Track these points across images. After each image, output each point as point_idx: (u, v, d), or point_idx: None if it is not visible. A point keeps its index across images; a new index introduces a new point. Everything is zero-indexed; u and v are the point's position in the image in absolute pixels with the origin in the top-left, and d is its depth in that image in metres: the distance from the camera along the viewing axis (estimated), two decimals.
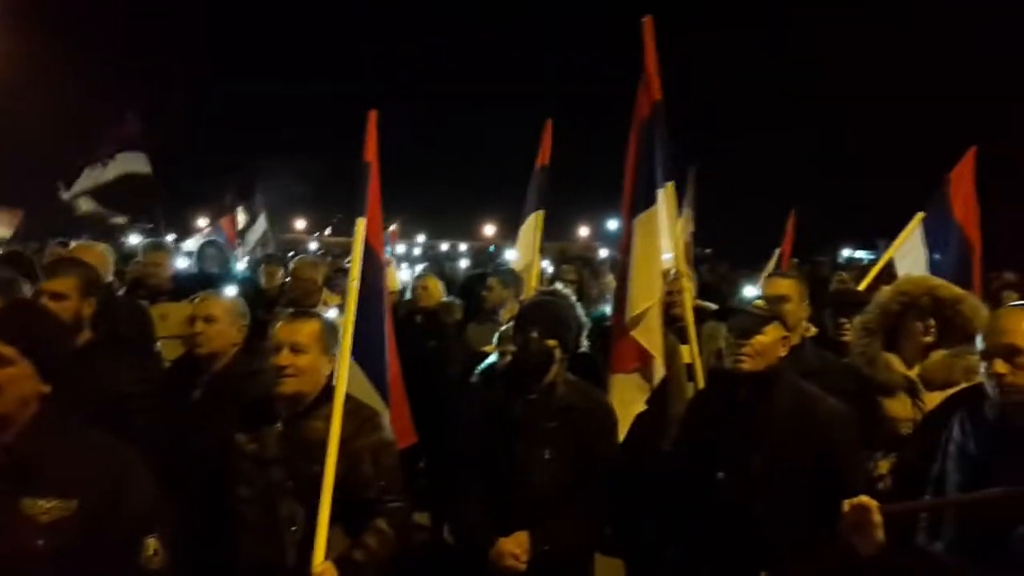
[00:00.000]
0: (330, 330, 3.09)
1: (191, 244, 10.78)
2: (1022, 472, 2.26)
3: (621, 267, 4.29)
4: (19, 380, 2.14)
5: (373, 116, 3.72)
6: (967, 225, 5.25)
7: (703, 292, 5.93)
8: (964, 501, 2.23)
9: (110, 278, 4.91)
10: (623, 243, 4.30)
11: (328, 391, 3.01)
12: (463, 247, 29.55)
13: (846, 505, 2.30)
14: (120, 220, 9.88)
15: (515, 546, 3.10)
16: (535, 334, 3.26)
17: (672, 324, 4.31)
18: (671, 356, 4.35)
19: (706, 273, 13.62)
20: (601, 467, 3.27)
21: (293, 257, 9.16)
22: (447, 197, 46.22)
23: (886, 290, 3.72)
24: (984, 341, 2.47)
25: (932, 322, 3.45)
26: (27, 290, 3.87)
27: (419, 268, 10.26)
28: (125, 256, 8.06)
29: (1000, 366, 2.38)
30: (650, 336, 4.05)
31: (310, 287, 5.57)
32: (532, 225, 6.16)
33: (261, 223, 11.64)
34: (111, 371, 3.22)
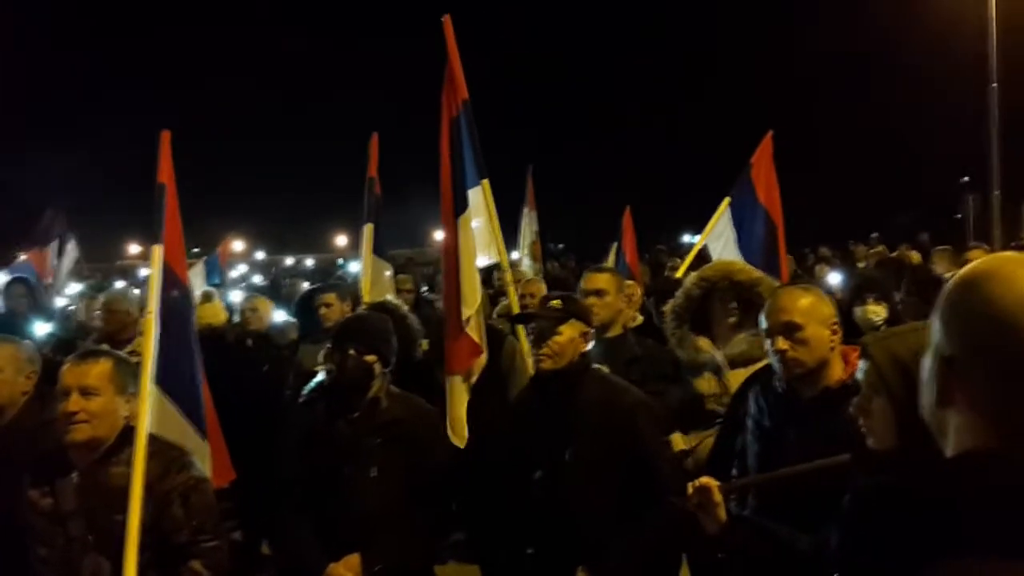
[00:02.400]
0: (125, 368, 2.88)
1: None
2: (811, 441, 2.41)
3: (448, 269, 4.27)
4: None
5: (166, 137, 3.56)
6: (770, 206, 5.61)
7: (553, 287, 6.04)
8: (790, 474, 2.34)
9: None
10: (448, 244, 4.29)
11: (128, 433, 2.81)
12: (309, 261, 28.67)
13: (690, 487, 2.36)
14: None
15: (346, 569, 3.02)
16: (352, 351, 3.18)
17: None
18: (512, 357, 4.39)
19: (555, 268, 13.96)
20: (432, 478, 3.23)
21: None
22: (292, 209, 44.90)
23: (690, 276, 3.92)
24: (766, 320, 2.62)
25: (734, 304, 3.65)
26: None
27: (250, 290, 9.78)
28: None
29: (781, 343, 2.54)
30: (478, 332, 4.11)
31: (124, 319, 5.20)
32: (366, 238, 6.10)
33: (71, 251, 10.71)
34: None
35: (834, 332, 2.58)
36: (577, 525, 2.90)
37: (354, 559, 3.04)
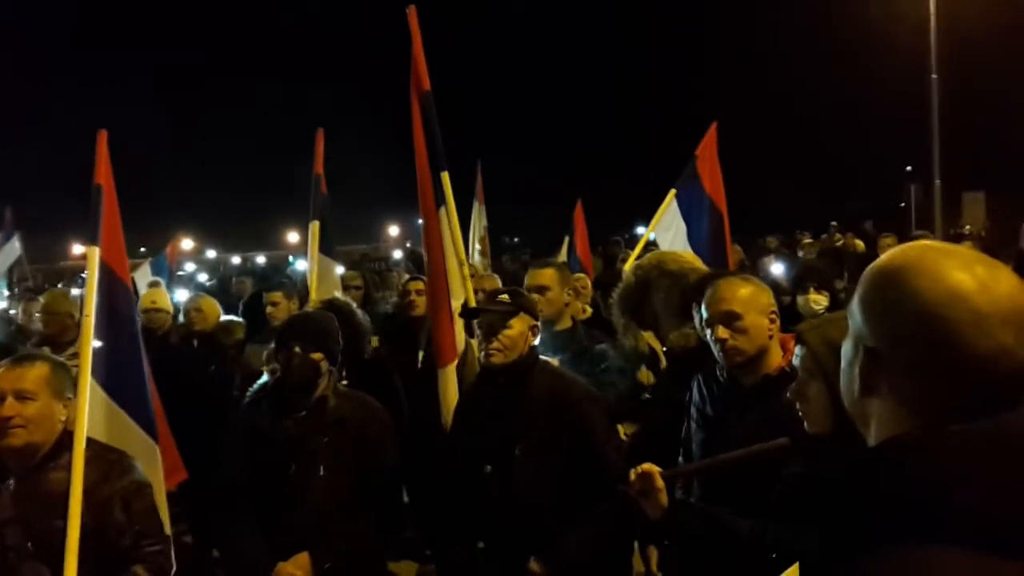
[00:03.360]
0: (62, 372, 2.81)
1: None
2: (753, 427, 2.46)
3: (433, 261, 4.24)
4: None
5: (103, 136, 3.50)
6: (715, 196, 5.69)
7: (505, 281, 6.05)
8: (730, 460, 2.38)
9: None
10: (431, 237, 4.25)
11: (66, 438, 2.74)
12: (260, 259, 28.18)
13: (632, 474, 2.39)
14: None
15: (295, 568, 3.00)
16: (298, 349, 3.15)
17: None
18: (466, 351, 4.39)
19: (508, 262, 13.98)
20: (382, 475, 3.22)
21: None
22: (242, 206, 44.18)
23: (627, 267, 3.98)
24: (706, 310, 2.66)
25: (664, 294, 3.71)
26: None
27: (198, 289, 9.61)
28: None
29: (722, 331, 2.59)
30: (459, 324, 4.12)
31: (66, 322, 5.07)
32: (311, 236, 6.02)
33: (13, 249, 10.39)
34: None
35: (772, 321, 2.63)
36: (528, 518, 2.91)
37: (303, 558, 3.01)
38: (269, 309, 5.26)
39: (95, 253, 3.29)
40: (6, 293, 9.59)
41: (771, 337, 2.62)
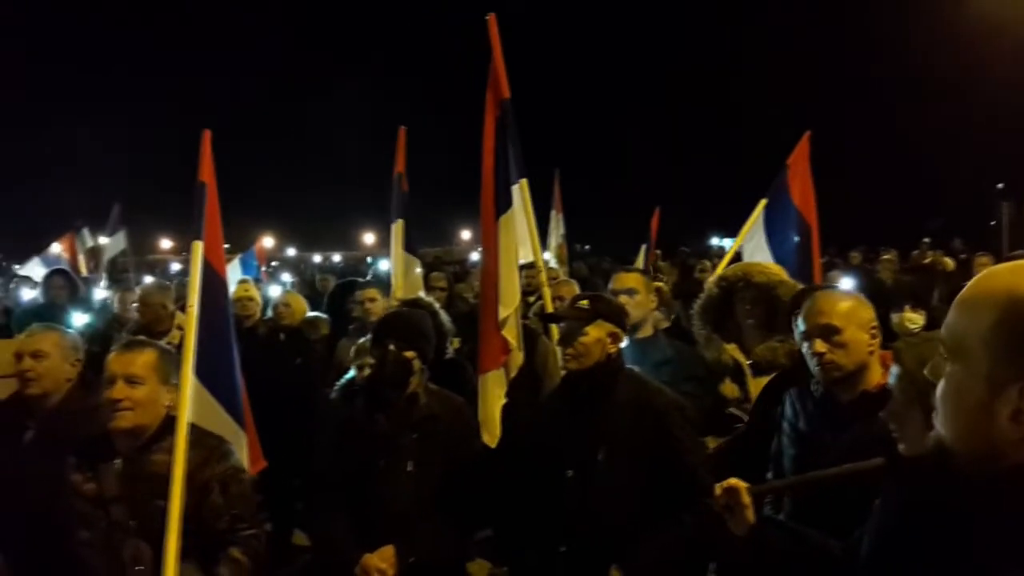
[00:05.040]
0: (168, 358, 2.93)
1: (29, 269, 10.08)
2: (849, 445, 2.40)
3: (486, 268, 4.27)
4: None
5: (207, 136, 3.61)
6: (804, 209, 5.55)
7: (580, 288, 6.03)
8: (820, 477, 2.33)
9: None
10: (488, 244, 4.28)
11: (170, 422, 2.86)
12: (336, 258, 28.84)
13: (718, 488, 2.36)
14: None
15: (380, 560, 3.05)
16: (392, 347, 3.21)
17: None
18: (545, 356, 4.40)
19: (581, 269, 13.95)
20: (466, 474, 3.25)
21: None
22: (320, 207, 45.22)
23: (711, 278, 3.92)
24: (803, 322, 2.61)
25: (754, 307, 3.64)
26: None
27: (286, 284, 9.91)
28: None
29: (819, 345, 2.53)
30: (513, 331, 4.11)
31: (160, 312, 5.29)
32: (395, 235, 6.13)
33: (119, 241, 10.96)
34: None
35: (873, 336, 2.57)
36: (609, 525, 2.90)
37: (388, 551, 3.06)
38: (366, 305, 5.36)
39: (199, 248, 3.38)
40: (104, 283, 10.05)
41: (871, 353, 2.55)
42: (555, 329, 3.95)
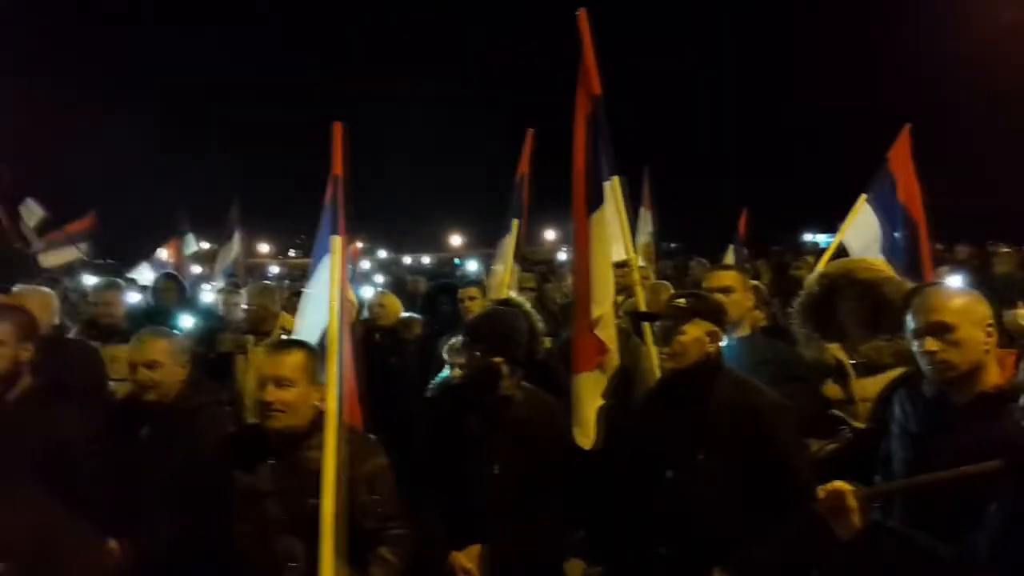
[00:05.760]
0: (317, 358, 2.96)
1: (137, 273, 10.65)
2: (961, 447, 2.29)
3: (578, 266, 4.22)
4: None
5: (339, 128, 3.55)
6: (910, 204, 5.34)
7: None
8: (932, 481, 2.25)
9: (56, 321, 4.81)
10: (579, 242, 4.23)
11: (319, 420, 2.88)
12: (426, 260, 29.35)
13: (821, 491, 2.30)
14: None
15: (467, 560, 3.09)
16: (479, 352, 3.25)
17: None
18: (636, 356, 4.37)
19: (667, 268, 13.75)
20: (557, 474, 3.26)
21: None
22: (410, 209, 46.05)
23: (811, 275, 3.80)
24: (913, 320, 2.50)
25: (859, 304, 3.51)
26: None
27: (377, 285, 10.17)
28: (84, 295, 7.91)
29: (931, 343, 2.42)
30: (608, 331, 4.05)
31: (262, 313, 5.51)
32: (513, 232, 6.23)
33: (234, 245, 11.47)
34: (50, 418, 3.13)
35: (989, 334, 2.44)
36: (710, 526, 2.87)
37: (475, 550, 3.10)
38: (466, 303, 5.45)
39: (338, 242, 3.36)
40: (210, 286, 10.53)
41: (987, 352, 2.43)
42: (648, 328, 3.92)
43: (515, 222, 6.21)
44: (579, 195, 4.20)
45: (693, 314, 3.04)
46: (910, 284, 3.58)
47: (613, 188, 4.19)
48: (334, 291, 3.22)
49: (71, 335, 5.43)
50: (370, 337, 5.99)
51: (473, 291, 5.61)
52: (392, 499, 2.91)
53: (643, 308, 4.01)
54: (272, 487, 2.83)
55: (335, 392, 2.94)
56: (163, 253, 11.54)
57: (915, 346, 2.51)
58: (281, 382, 2.79)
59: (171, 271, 8.93)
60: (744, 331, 3.91)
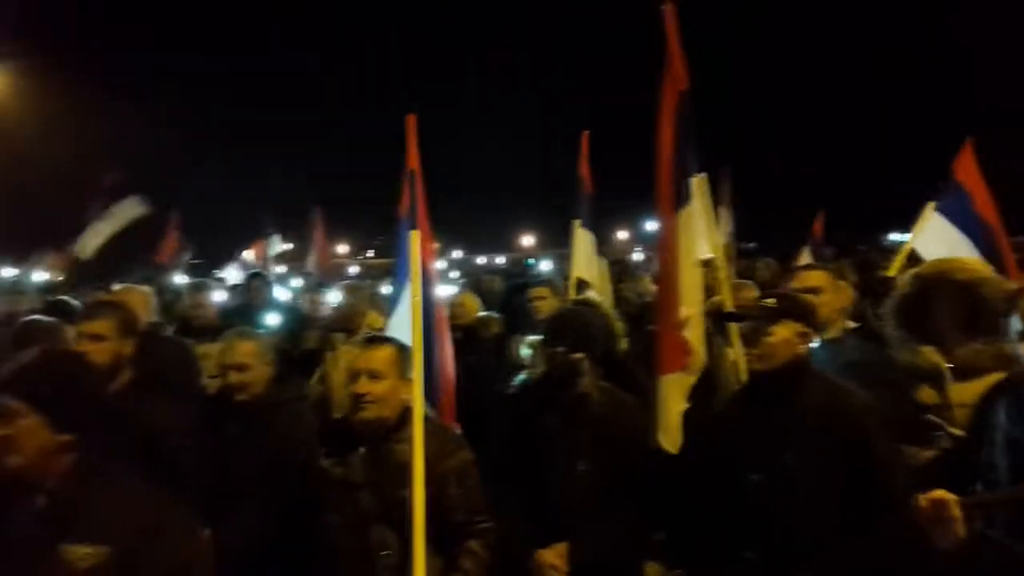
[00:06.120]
0: (406, 354, 3.07)
1: (225, 273, 11.06)
2: None
3: (664, 265, 4.12)
4: (31, 432, 2.16)
5: (412, 121, 3.55)
6: (984, 213, 5.18)
7: None
8: None
9: (153, 318, 5.02)
10: (665, 240, 4.13)
11: (407, 414, 2.97)
12: (500, 260, 29.54)
13: (923, 500, 2.23)
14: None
15: (554, 557, 3.09)
16: (561, 348, 3.25)
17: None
18: (718, 357, 4.28)
19: (742, 268, 13.44)
20: (637, 475, 3.23)
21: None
22: (481, 209, 46.35)
23: (904, 276, 3.65)
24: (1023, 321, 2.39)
25: (950, 306, 3.36)
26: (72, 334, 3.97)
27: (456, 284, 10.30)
28: (178, 293, 8.25)
29: None
30: (695, 332, 3.97)
31: (351, 312, 5.63)
32: (579, 235, 6.25)
33: (316, 248, 11.89)
34: (148, 410, 3.27)
35: None
36: (798, 531, 2.80)
37: (562, 548, 3.10)
38: (536, 303, 5.46)
39: (416, 237, 3.40)
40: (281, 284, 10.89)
41: None
42: (733, 329, 3.84)
43: (575, 223, 6.20)
44: (666, 192, 4.11)
45: (782, 315, 2.97)
46: (1011, 285, 3.41)
47: (700, 185, 4.12)
48: (415, 285, 3.29)
49: (166, 332, 5.67)
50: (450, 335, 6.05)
51: (543, 291, 5.60)
52: (478, 493, 2.98)
53: (728, 308, 3.92)
54: (364, 478, 2.91)
55: (420, 386, 3.02)
56: (249, 254, 11.95)
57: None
58: (372, 375, 2.92)
59: (259, 270, 9.25)
60: (833, 333, 3.80)
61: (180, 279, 9.63)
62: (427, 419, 3.00)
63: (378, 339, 3.12)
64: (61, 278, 10.10)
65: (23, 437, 2.16)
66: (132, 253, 9.81)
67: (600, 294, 5.82)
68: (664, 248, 4.10)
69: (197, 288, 6.13)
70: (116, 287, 5.17)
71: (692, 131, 4.12)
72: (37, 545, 2.15)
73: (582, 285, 6.00)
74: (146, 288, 5.05)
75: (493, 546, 2.90)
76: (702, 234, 4.09)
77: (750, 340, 3.00)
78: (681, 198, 4.02)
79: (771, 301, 3.06)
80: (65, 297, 5.96)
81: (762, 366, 2.96)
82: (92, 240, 9.16)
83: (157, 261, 10.83)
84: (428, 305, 3.57)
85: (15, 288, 9.09)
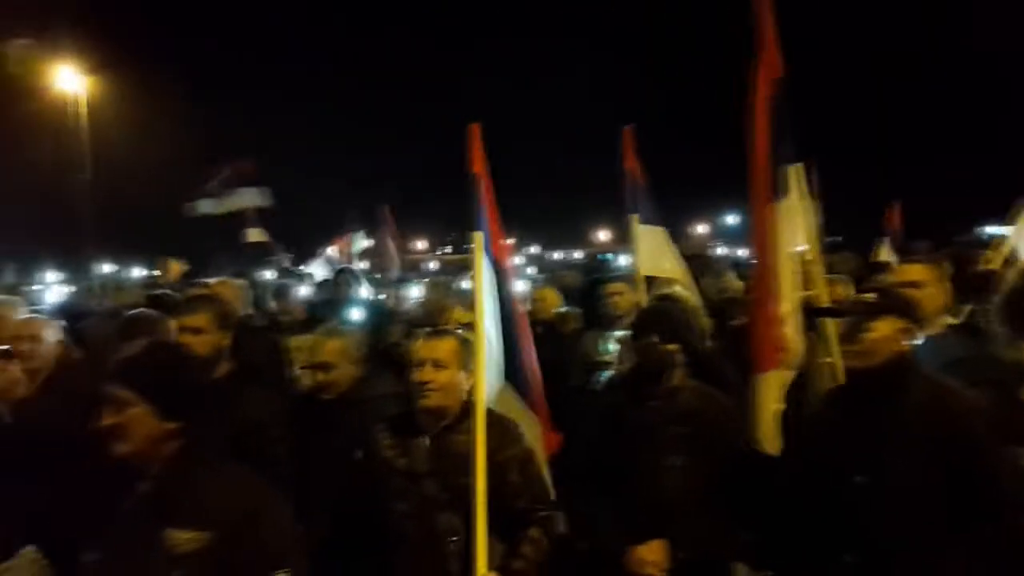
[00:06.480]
0: (467, 347, 3.14)
1: (313, 267, 11.37)
2: None
3: (760, 259, 4.03)
4: (140, 420, 2.26)
5: (475, 129, 3.70)
6: None
7: None
8: None
9: (247, 311, 5.19)
10: (761, 233, 4.02)
11: (468, 405, 3.05)
12: (577, 255, 29.46)
13: None
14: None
15: (651, 553, 3.05)
16: (654, 339, 3.21)
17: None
18: (811, 355, 4.15)
19: (837, 262, 12.99)
20: (730, 472, 3.16)
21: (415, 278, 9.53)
22: (557, 205, 46.30)
23: (1012, 271, 3.46)
24: None
25: None
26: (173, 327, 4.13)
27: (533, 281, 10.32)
28: (267, 287, 8.50)
29: None
30: (792, 327, 3.87)
31: (436, 307, 5.70)
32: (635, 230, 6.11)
33: (389, 243, 12.13)
34: (246, 401, 3.38)
35: None
36: (901, 534, 2.70)
37: (658, 544, 3.06)
38: (613, 299, 5.40)
39: (479, 238, 3.53)
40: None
41: None
42: (828, 325, 3.71)
43: (634, 216, 6.07)
44: (761, 183, 4.00)
45: (883, 310, 2.86)
46: None
47: (796, 174, 4.00)
48: (478, 284, 3.41)
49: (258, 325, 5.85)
50: (531, 330, 6.04)
51: (620, 286, 5.52)
52: (540, 482, 3.01)
53: (823, 303, 3.80)
54: (428, 467, 2.96)
55: (481, 379, 3.12)
56: (333, 250, 12.24)
57: None
58: (436, 364, 2.98)
59: (346, 266, 9.48)
60: (934, 329, 3.63)
61: (269, 274, 9.95)
62: (488, 411, 3.05)
63: (442, 331, 3.21)
64: (159, 275, 10.61)
65: (133, 425, 2.25)
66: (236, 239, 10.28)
67: (683, 288, 5.70)
68: (760, 241, 4.00)
69: (282, 293, 6.29)
70: (212, 281, 5.35)
71: (788, 119, 4.01)
72: (143, 529, 2.24)
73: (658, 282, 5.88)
74: (240, 281, 5.21)
75: (554, 534, 2.93)
76: (798, 226, 3.97)
77: (849, 337, 2.89)
78: (778, 188, 3.91)
79: (871, 296, 2.95)
80: (166, 291, 6.20)
81: (862, 364, 2.85)
82: (204, 207, 9.72)
83: (263, 252, 11.25)
84: (506, 302, 3.62)
85: (117, 284, 9.56)
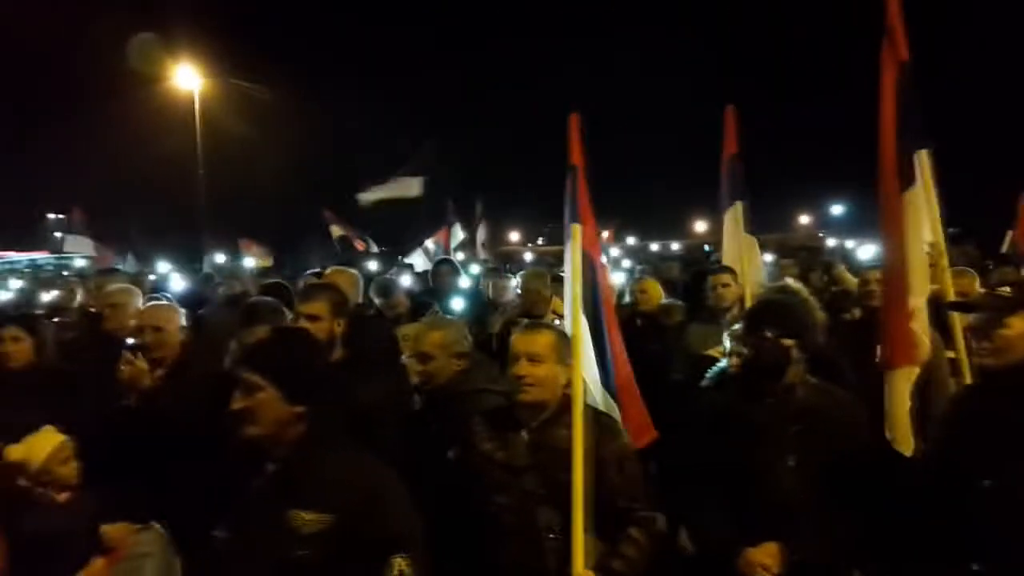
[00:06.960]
0: (566, 340, 3.13)
1: (412, 259, 11.63)
2: None
3: (891, 251, 3.89)
4: (269, 404, 2.33)
5: (575, 120, 3.67)
6: None
7: None
8: None
9: (360, 300, 5.32)
10: (890, 222, 3.86)
11: (567, 400, 3.02)
12: (675, 246, 28.94)
13: None
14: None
15: (766, 556, 2.95)
16: (769, 334, 3.10)
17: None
18: (934, 353, 3.95)
19: (957, 255, 12.31)
20: (852, 473, 3.02)
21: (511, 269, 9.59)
22: (655, 195, 45.66)
23: None
24: None
25: None
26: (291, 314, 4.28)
27: (634, 271, 10.20)
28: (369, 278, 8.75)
29: None
30: (922, 322, 3.73)
31: (536, 298, 5.70)
32: (732, 218, 5.89)
33: (480, 234, 12.32)
34: (357, 387, 3.40)
35: None
36: None
37: (773, 547, 2.95)
38: (719, 290, 5.25)
39: (578, 230, 3.49)
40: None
41: None
42: (956, 319, 3.52)
43: (736, 206, 5.83)
44: (890, 171, 3.83)
45: (1020, 305, 2.67)
46: None
47: (925, 160, 3.80)
48: (575, 277, 3.38)
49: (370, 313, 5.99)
50: (631, 323, 5.98)
51: (726, 277, 5.34)
52: (639, 481, 2.97)
53: (952, 297, 3.59)
54: (528, 462, 2.95)
55: (580, 373, 3.10)
56: (432, 241, 12.48)
57: None
58: (532, 358, 2.96)
59: (447, 257, 9.65)
60: None
61: (372, 264, 10.22)
62: (587, 406, 3.01)
63: (539, 324, 3.18)
64: (265, 264, 11.08)
65: (262, 409, 2.34)
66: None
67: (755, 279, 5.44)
68: (890, 232, 3.84)
69: (388, 290, 6.38)
70: (328, 270, 5.51)
71: (916, 103, 3.82)
72: (268, 509, 2.32)
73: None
74: (354, 271, 5.34)
75: (653, 535, 2.88)
76: (925, 216, 3.78)
77: (982, 333, 2.72)
78: (908, 177, 3.73)
79: (1007, 290, 2.77)
80: (280, 280, 6.42)
81: (996, 361, 2.69)
82: (373, 195, 10.19)
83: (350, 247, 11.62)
84: (596, 296, 3.57)
85: (233, 273, 10.01)
